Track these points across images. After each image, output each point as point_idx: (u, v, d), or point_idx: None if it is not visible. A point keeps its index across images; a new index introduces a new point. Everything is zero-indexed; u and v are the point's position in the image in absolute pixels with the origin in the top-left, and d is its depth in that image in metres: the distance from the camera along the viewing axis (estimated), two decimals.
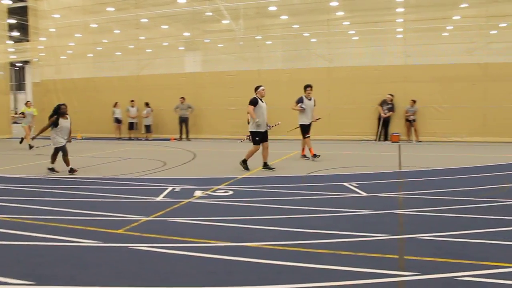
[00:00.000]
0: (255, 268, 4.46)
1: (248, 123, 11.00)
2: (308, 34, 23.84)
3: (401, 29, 21.77)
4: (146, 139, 21.81)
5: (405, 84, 18.71)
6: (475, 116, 18.31)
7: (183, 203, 7.35)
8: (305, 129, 12.59)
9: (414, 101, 18.51)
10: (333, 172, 10.45)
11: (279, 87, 20.07)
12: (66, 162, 10.86)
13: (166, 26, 24.60)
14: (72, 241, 5.31)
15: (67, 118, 11.01)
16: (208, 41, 24.45)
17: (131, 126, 22.34)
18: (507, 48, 21.28)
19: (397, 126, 19.14)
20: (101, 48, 24.88)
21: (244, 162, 11.05)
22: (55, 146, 10.93)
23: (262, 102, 10.98)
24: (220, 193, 8.19)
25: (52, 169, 10.98)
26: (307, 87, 12.97)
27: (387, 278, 4.17)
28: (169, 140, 20.84)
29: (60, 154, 10.87)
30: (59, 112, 10.86)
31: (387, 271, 4.33)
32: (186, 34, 24.40)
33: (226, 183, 9.13)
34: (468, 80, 18.17)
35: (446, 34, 22.99)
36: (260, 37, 22.55)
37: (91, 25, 24.28)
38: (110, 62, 24.40)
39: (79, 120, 20.65)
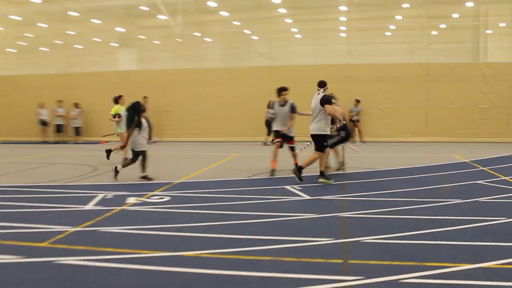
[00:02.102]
0: (193, 279, 4.38)
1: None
2: (249, 32, 24.00)
3: (345, 28, 22.38)
4: (75, 143, 21.10)
5: (348, 83, 19.16)
6: (418, 116, 19.05)
7: (115, 211, 7.13)
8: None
9: (358, 101, 18.99)
10: (275, 174, 10.51)
11: (219, 87, 20.05)
12: (144, 167, 10.07)
13: (97, 21, 23.96)
14: None
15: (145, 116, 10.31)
16: (144, 37, 24.09)
17: (59, 128, 21.52)
18: (447, 49, 22.38)
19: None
20: (25, 43, 23.83)
21: (299, 171, 9.60)
22: (138, 150, 9.91)
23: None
24: (155, 199, 8.02)
25: (145, 177, 10.02)
26: (281, 90, 10.54)
27: (331, 284, 4.22)
28: (100, 143, 20.26)
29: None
30: (139, 109, 9.90)
31: (331, 277, 4.37)
32: (120, 29, 23.89)
33: (162, 189, 8.97)
34: (411, 80, 18.89)
35: (389, 33, 23.85)
36: (199, 34, 22.48)
37: (13, 17, 23.16)
38: (35, 58, 23.43)
39: None
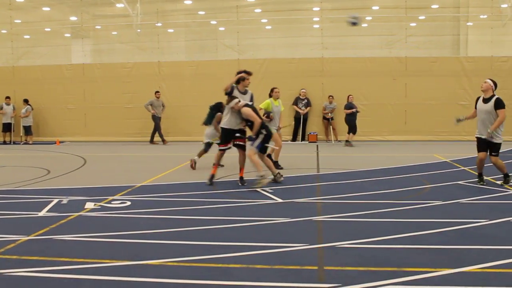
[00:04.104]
0: None
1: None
2: (215, 22, 23.97)
3: (318, 19, 22.56)
4: (26, 143, 20.72)
5: (322, 78, 19.38)
6: (396, 113, 19.39)
7: (71, 217, 7.08)
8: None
9: (332, 97, 19.18)
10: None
11: (182, 82, 20.01)
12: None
13: (47, 8, 23.54)
14: None
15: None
16: (99, 27, 23.77)
17: (7, 127, 21.07)
18: (426, 42, 22.81)
19: (314, 124, 19.74)
20: None
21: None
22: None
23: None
24: (115, 204, 7.99)
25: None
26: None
27: None
28: (54, 143, 19.96)
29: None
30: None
31: (306, 284, 4.47)
32: (73, 18, 23.54)
33: (123, 193, 8.93)
34: (388, 75, 19.20)
35: (365, 25, 24.17)
36: (160, 24, 22.29)
37: None
38: None
39: None
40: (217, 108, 12.02)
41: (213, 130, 12.16)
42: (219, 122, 10.93)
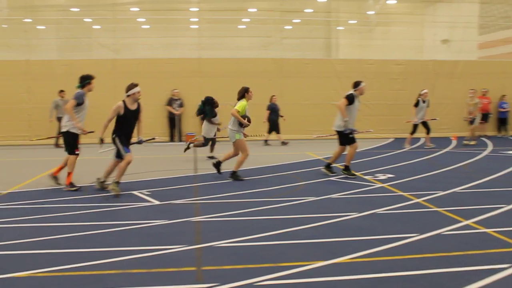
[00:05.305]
0: None
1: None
2: (90, 20, 23.11)
3: (196, 19, 22.56)
4: None
5: (199, 78, 19.35)
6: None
7: None
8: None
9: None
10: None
11: (54, 82, 18.91)
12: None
13: None
14: None
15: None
16: None
17: None
18: (301, 44, 23.73)
19: (191, 124, 19.62)
20: None
21: (347, 169, 10.49)
22: None
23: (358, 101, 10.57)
24: None
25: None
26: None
27: None
28: None
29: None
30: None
31: (184, 286, 4.45)
32: None
33: None
34: (265, 75, 19.62)
35: (243, 26, 24.61)
36: (29, 20, 21.00)
37: None
38: None
39: None
40: (208, 102, 13.17)
41: (208, 125, 13.23)
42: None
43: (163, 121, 19.21)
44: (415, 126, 16.00)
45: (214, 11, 22.56)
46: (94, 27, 23.74)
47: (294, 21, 24.48)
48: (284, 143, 17.89)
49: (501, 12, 25.08)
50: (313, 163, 12.84)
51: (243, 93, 10.56)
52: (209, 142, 13.51)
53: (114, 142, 8.92)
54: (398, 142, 17.71)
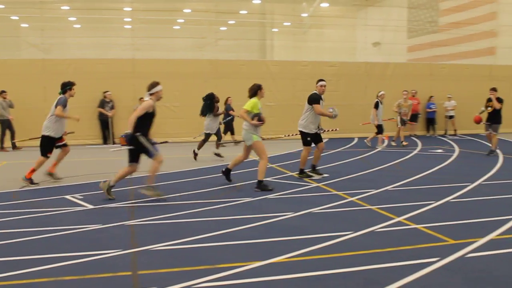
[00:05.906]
0: None
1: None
2: (17, 18, 22.28)
3: (129, 19, 22.21)
4: None
5: (133, 79, 19.01)
6: None
7: None
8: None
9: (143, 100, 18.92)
10: (52, 184, 9.97)
11: None
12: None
13: None
14: None
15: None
16: None
17: None
18: (236, 46, 23.84)
19: (124, 127, 19.24)
20: None
21: (302, 173, 10.65)
22: None
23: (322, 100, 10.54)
24: None
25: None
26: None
27: None
28: None
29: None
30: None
31: None
32: None
33: None
34: (200, 77, 19.54)
35: (178, 27, 24.44)
36: None
37: None
38: None
39: None
40: (210, 98, 13.47)
41: (210, 121, 13.58)
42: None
43: (95, 123, 18.73)
44: (380, 126, 16.35)
45: (148, 11, 22.30)
46: (22, 25, 22.91)
47: (229, 22, 24.57)
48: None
49: (428, 17, 26.24)
50: (251, 163, 12.88)
51: (256, 91, 9.76)
52: (209, 137, 13.96)
53: (138, 141, 8.39)
54: (332, 142, 18.11)
